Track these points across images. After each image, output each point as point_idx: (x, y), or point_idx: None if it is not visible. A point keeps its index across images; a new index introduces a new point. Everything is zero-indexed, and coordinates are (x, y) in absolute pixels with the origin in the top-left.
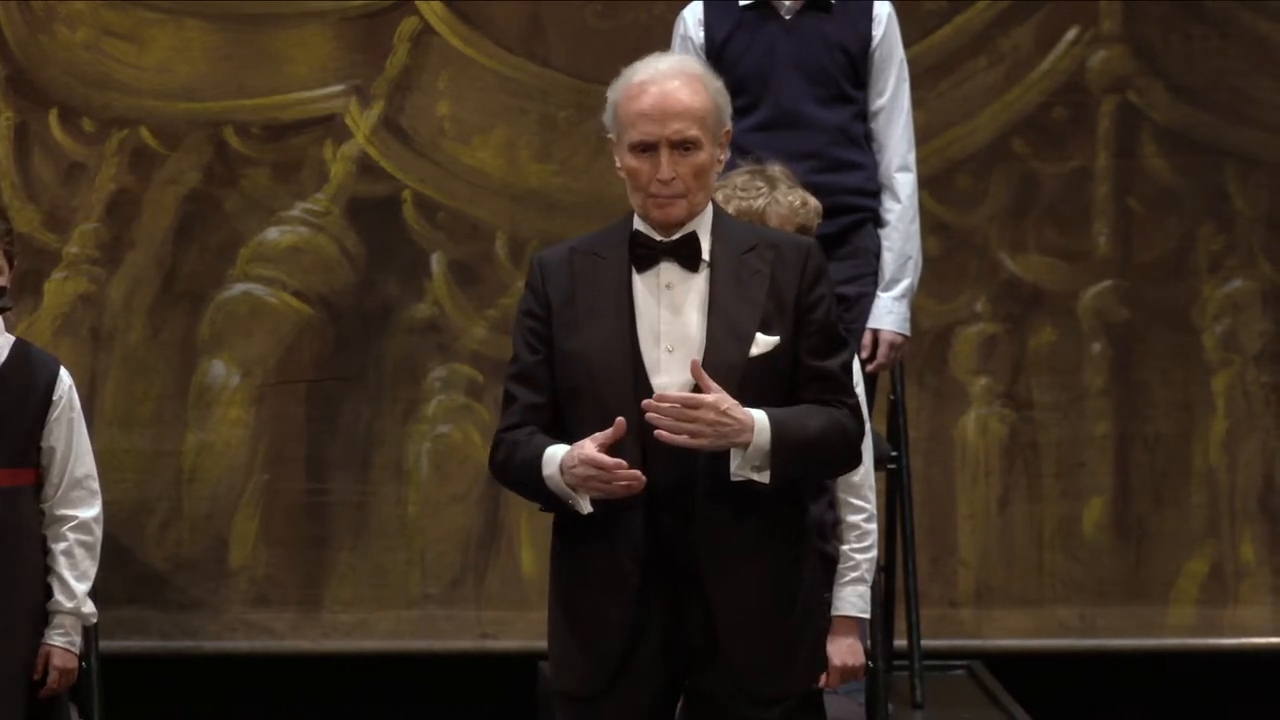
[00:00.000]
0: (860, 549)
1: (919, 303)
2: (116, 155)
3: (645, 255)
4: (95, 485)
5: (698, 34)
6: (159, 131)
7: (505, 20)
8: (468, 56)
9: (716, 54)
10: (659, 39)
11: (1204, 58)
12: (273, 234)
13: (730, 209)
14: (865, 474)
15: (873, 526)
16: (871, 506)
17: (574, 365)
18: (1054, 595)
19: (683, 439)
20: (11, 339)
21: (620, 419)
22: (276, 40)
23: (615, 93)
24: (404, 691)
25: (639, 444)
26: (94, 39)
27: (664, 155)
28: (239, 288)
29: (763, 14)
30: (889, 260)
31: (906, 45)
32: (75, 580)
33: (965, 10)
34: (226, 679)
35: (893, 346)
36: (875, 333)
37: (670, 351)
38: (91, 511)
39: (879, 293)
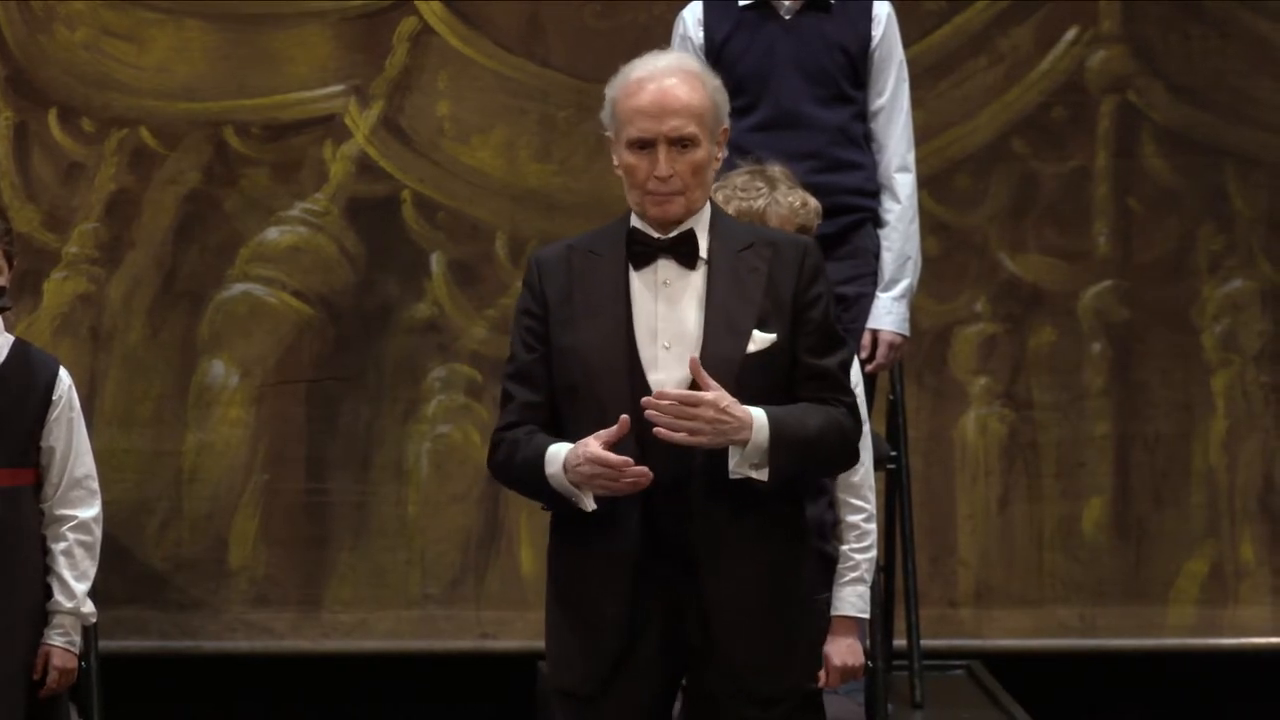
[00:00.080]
0: (860, 549)
1: (918, 303)
2: (116, 155)
3: (642, 253)
4: (95, 485)
5: (697, 34)
6: (159, 131)
7: (505, 20)
8: (467, 56)
9: (716, 54)
10: (658, 39)
11: (1203, 58)
12: (272, 234)
13: (730, 209)
14: (865, 474)
15: (872, 526)
16: (871, 507)
17: (571, 362)
18: (1054, 595)
19: (681, 436)
20: (11, 339)
21: (624, 416)
22: (276, 40)
23: (613, 90)
24: (404, 691)
25: (636, 441)
26: (93, 39)
27: (662, 152)
28: (238, 288)
29: (762, 14)
30: (888, 260)
31: (906, 45)
32: (75, 580)
33: (965, 10)
34: (226, 679)
35: (892, 347)
36: (874, 333)
37: (667, 348)
38: (91, 511)
39: (878, 293)
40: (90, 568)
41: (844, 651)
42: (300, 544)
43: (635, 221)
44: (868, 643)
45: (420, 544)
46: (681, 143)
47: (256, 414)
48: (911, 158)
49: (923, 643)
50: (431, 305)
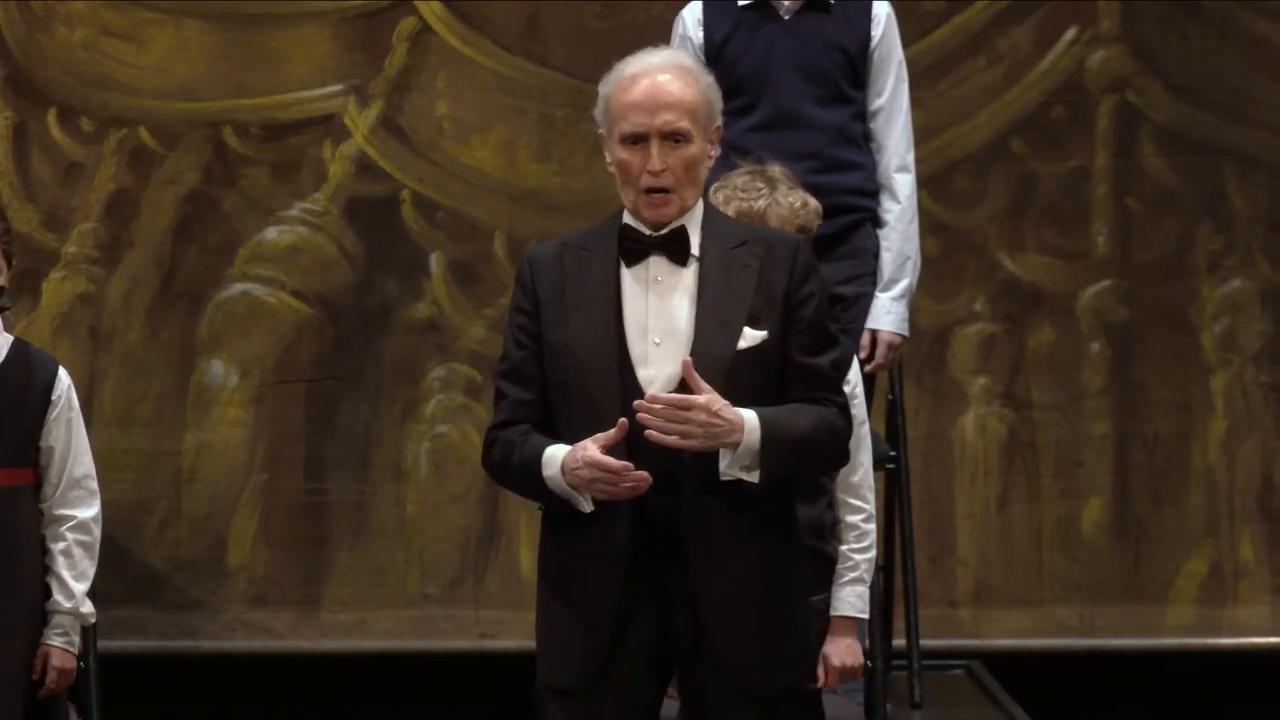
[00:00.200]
0: (859, 549)
1: (918, 303)
2: (115, 155)
3: (634, 249)
4: (94, 485)
5: (697, 34)
6: (158, 131)
7: (504, 20)
8: (466, 56)
9: (715, 54)
10: (657, 39)
11: (1202, 57)
12: (271, 234)
13: (730, 210)
14: (864, 474)
15: (871, 527)
16: (870, 507)
17: (562, 359)
18: (1053, 595)
19: (673, 440)
20: (10, 339)
21: (622, 420)
22: (275, 40)
23: (607, 86)
24: (403, 691)
25: (626, 439)
26: (93, 39)
27: (654, 147)
28: (238, 287)
29: (762, 14)
30: (887, 260)
31: (905, 45)
32: (74, 580)
33: (964, 10)
34: (225, 679)
35: (891, 347)
36: (874, 333)
37: (658, 344)
38: (90, 511)
39: (877, 293)
40: (89, 568)
41: (843, 652)
42: (299, 544)
43: (627, 218)
44: (867, 643)
45: (419, 544)
46: (674, 137)
47: (255, 414)
48: (911, 158)
49: (922, 643)
50: (431, 305)
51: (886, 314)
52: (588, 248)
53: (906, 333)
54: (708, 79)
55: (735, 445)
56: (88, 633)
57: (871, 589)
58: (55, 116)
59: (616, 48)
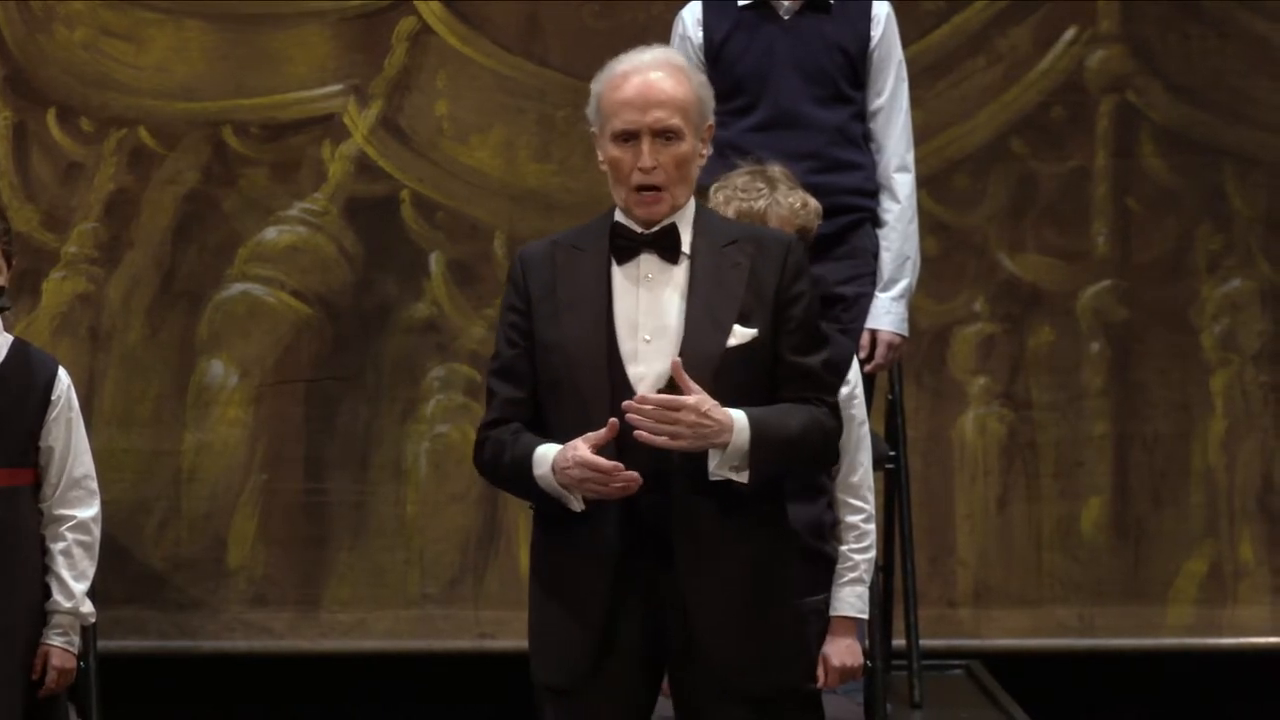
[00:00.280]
0: (859, 549)
1: (917, 302)
2: (115, 155)
3: (625, 247)
4: (94, 485)
5: (696, 34)
6: (157, 131)
7: (503, 20)
8: (466, 56)
9: (715, 54)
10: (657, 39)
11: (1202, 57)
12: (271, 234)
13: (731, 210)
14: (864, 474)
15: (871, 527)
16: (870, 507)
17: (553, 357)
18: (1052, 595)
19: (662, 440)
20: (10, 339)
21: (613, 420)
22: (275, 40)
23: (598, 84)
24: (402, 691)
25: (615, 438)
26: (92, 39)
27: (645, 143)
28: (237, 287)
29: (761, 14)
30: (887, 260)
31: (905, 45)
32: (74, 580)
33: (963, 10)
34: (225, 679)
35: (891, 347)
36: (873, 333)
37: (648, 341)
38: (90, 511)
39: (877, 293)
40: (89, 568)
41: (843, 652)
42: (299, 544)
43: (619, 216)
44: (867, 643)
45: (419, 544)
46: (665, 135)
47: (255, 414)
48: (911, 158)
49: (922, 643)
50: (430, 305)
51: (886, 314)
52: (579, 246)
53: (906, 333)
54: (699, 77)
55: (724, 445)
56: (87, 633)
57: (871, 589)
58: (55, 116)
59: (616, 48)
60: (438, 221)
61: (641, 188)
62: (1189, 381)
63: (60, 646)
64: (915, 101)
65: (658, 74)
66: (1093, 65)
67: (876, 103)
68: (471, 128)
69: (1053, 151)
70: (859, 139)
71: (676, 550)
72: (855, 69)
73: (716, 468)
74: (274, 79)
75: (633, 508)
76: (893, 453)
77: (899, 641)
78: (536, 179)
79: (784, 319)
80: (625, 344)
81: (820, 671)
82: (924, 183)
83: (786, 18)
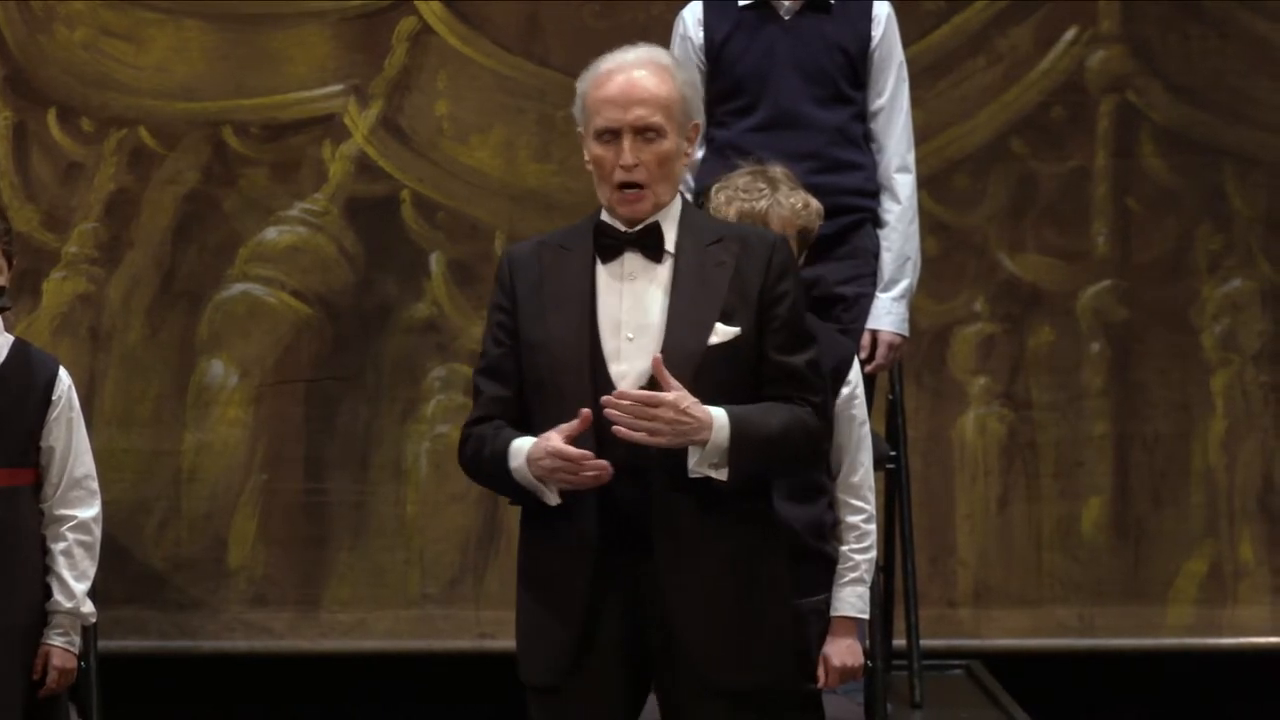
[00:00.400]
0: (859, 549)
1: (917, 302)
2: (115, 155)
3: (609, 245)
4: (94, 485)
5: (697, 34)
6: (157, 131)
7: (503, 20)
8: (466, 56)
9: (715, 54)
10: (657, 39)
11: (1202, 57)
12: (271, 234)
13: (732, 210)
14: (865, 474)
15: (872, 527)
16: (871, 507)
17: (537, 355)
18: (1053, 595)
19: (640, 436)
20: (11, 339)
21: (585, 411)
22: (275, 40)
23: (583, 83)
24: (403, 691)
25: (595, 434)
26: (93, 39)
27: (627, 141)
28: (237, 287)
29: (762, 14)
30: (888, 261)
31: (905, 45)
32: (74, 580)
33: (964, 10)
34: (225, 679)
35: (891, 347)
36: (874, 333)
37: (630, 340)
38: (91, 511)
39: (878, 293)
40: (90, 568)
41: (843, 652)
42: (299, 544)
43: (604, 215)
44: (867, 643)
45: (419, 544)
46: (647, 133)
47: (255, 414)
48: (911, 158)
49: (922, 642)
50: (430, 305)
51: (887, 314)
52: (565, 246)
53: (907, 333)
54: (685, 75)
55: (703, 443)
56: (88, 633)
57: (872, 589)
58: (55, 116)
59: (616, 47)
60: (438, 221)
61: (623, 185)
62: (1189, 381)
63: (61, 646)
64: (915, 101)
65: (640, 72)
66: (1093, 65)
67: (877, 103)
68: (472, 128)
69: (1053, 151)
70: (859, 139)
71: (655, 546)
72: (856, 69)
73: (695, 465)
74: (274, 79)
75: (613, 504)
76: (893, 453)
77: (899, 641)
78: (536, 179)
79: (768, 318)
80: (608, 342)
81: (821, 671)
82: (924, 183)
83: (787, 18)
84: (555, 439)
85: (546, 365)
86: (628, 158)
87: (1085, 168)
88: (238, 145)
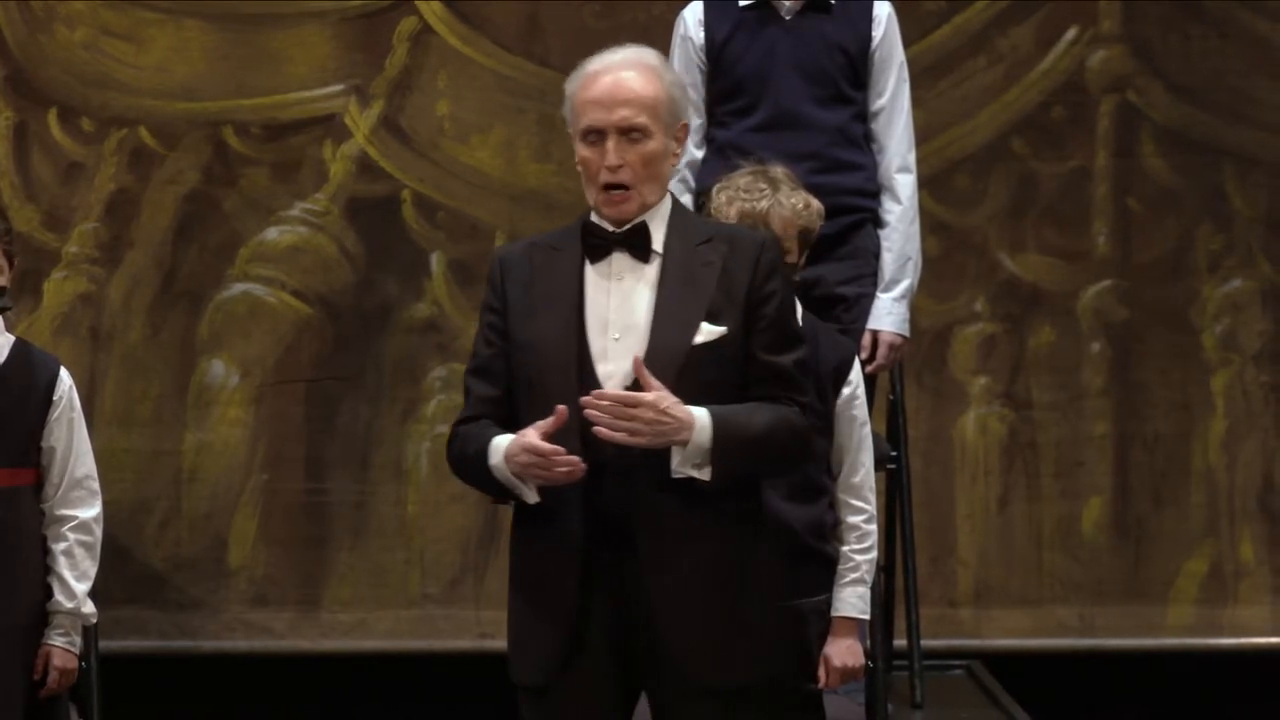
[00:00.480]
0: (860, 550)
1: (918, 302)
2: (115, 155)
3: (598, 246)
4: (95, 485)
5: (698, 34)
6: (158, 131)
7: (504, 20)
8: (467, 56)
9: (716, 54)
10: (658, 39)
11: (1203, 57)
12: (272, 234)
13: (733, 210)
14: (865, 474)
15: (873, 527)
16: (872, 507)
17: (526, 355)
18: (1053, 595)
19: (621, 436)
20: (12, 339)
21: (561, 407)
22: (275, 40)
23: (571, 84)
24: (403, 691)
25: (580, 434)
26: (93, 39)
27: (611, 142)
28: (238, 287)
29: (763, 14)
30: (888, 261)
31: (906, 45)
32: (75, 580)
33: (964, 10)
34: (225, 679)
35: (892, 347)
36: (874, 333)
37: (617, 339)
38: (91, 511)
39: (878, 293)
40: (91, 568)
41: (844, 652)
42: (299, 544)
43: (592, 216)
44: (868, 643)
45: (419, 544)
46: (632, 133)
47: (256, 414)
48: (912, 158)
49: (922, 642)
50: (431, 305)
51: (887, 314)
52: (556, 246)
53: (907, 333)
54: (673, 76)
55: (684, 443)
56: (89, 633)
57: (872, 589)
58: (56, 116)
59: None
60: (439, 221)
61: (609, 186)
62: (1189, 381)
63: (61, 647)
64: (916, 101)
65: (626, 73)
66: (1094, 65)
67: (878, 103)
68: (472, 128)
69: (1053, 151)
70: (860, 139)
71: (640, 546)
72: (856, 69)
73: (678, 465)
74: (275, 79)
75: (599, 504)
76: (894, 453)
77: (900, 642)
78: (537, 179)
79: (755, 317)
80: (595, 342)
81: (821, 672)
82: (925, 183)
83: (788, 18)
84: (531, 435)
85: (534, 365)
86: (612, 158)
87: (1086, 168)
88: (238, 145)
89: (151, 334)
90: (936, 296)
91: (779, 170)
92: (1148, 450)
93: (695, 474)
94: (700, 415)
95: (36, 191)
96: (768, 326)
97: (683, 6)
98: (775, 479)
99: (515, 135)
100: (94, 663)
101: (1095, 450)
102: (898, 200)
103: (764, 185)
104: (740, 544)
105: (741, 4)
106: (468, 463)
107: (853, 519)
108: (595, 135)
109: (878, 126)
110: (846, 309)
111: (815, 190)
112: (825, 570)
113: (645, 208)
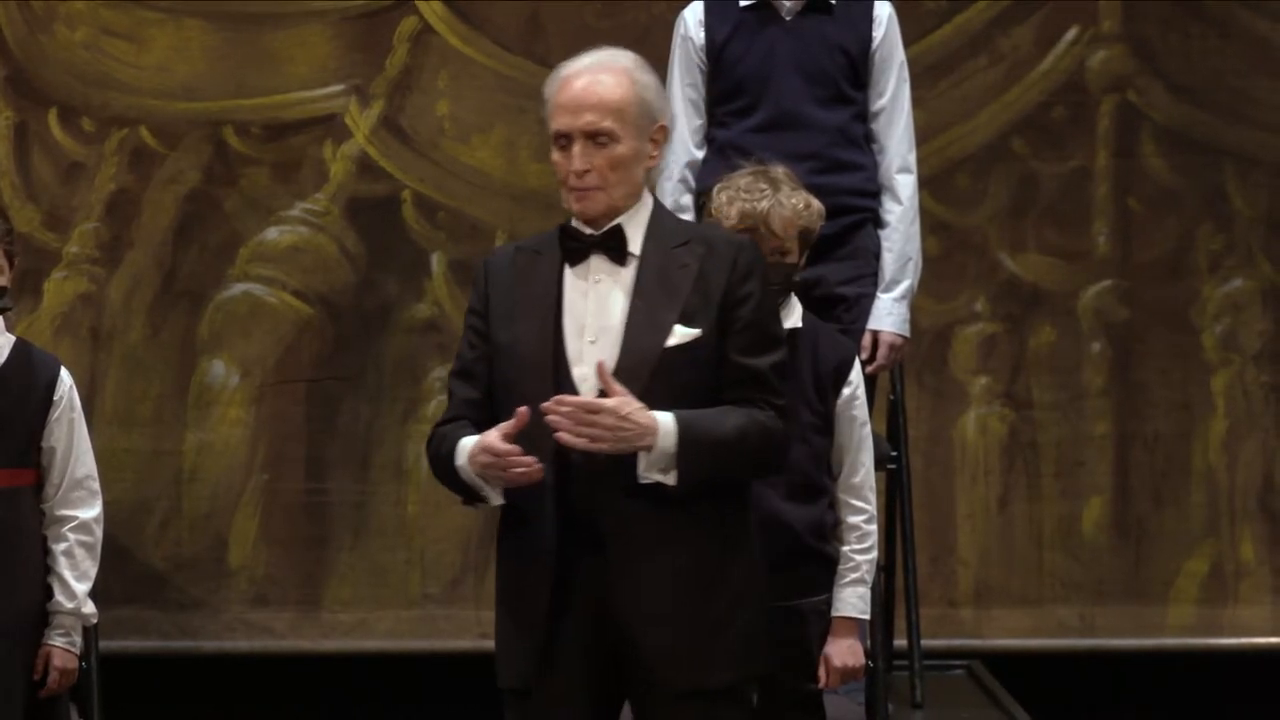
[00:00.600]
0: (860, 550)
1: (918, 302)
2: (116, 155)
3: (575, 249)
4: (96, 485)
5: (698, 35)
6: (158, 131)
7: (504, 19)
8: (467, 56)
9: (717, 55)
10: (658, 38)
11: (1203, 57)
12: (272, 234)
13: (733, 211)
14: (865, 474)
15: (873, 527)
16: (872, 507)
17: (504, 358)
18: (1053, 595)
19: (582, 443)
20: (12, 339)
21: (523, 410)
22: (276, 40)
23: (547, 88)
24: (403, 691)
25: (549, 437)
26: (93, 38)
27: (576, 146)
28: (238, 287)
29: (763, 15)
30: (889, 261)
31: (906, 45)
32: (76, 580)
33: (965, 10)
34: (226, 679)
35: (892, 348)
36: (875, 334)
37: (593, 342)
38: (92, 512)
39: (879, 294)
40: (91, 568)
41: (844, 652)
42: (300, 544)
43: (572, 220)
44: (868, 643)
45: (420, 544)
46: (598, 138)
47: (256, 414)
48: (913, 158)
49: (923, 642)
50: (431, 305)
51: (888, 315)
52: (538, 250)
53: (908, 333)
54: (647, 79)
55: (648, 449)
56: (89, 633)
57: (872, 589)
58: (56, 116)
59: (618, 47)
60: (439, 221)
61: (575, 190)
62: (1190, 381)
63: (62, 647)
64: (917, 101)
65: (595, 77)
66: (1094, 65)
67: (878, 103)
68: (473, 128)
69: (1054, 151)
70: (860, 140)
71: (609, 550)
72: (857, 70)
73: (644, 470)
74: (275, 79)
75: (570, 509)
76: (894, 453)
77: (900, 642)
78: (537, 179)
79: (730, 319)
80: (571, 345)
81: (821, 672)
82: (925, 183)
83: (788, 18)
84: (492, 436)
85: (512, 367)
86: (577, 163)
87: (1086, 168)
88: (239, 145)
89: (152, 334)
90: (937, 296)
91: (780, 170)
92: (1148, 450)
93: (661, 478)
94: (665, 420)
95: (37, 191)
96: (744, 329)
97: (683, 6)
98: (756, 480)
99: (516, 135)
100: (94, 663)
101: (1096, 450)
102: (898, 200)
103: (765, 185)
104: (712, 547)
105: (742, 4)
106: (441, 463)
107: (853, 519)
108: (564, 139)
109: (878, 127)
110: (847, 309)
111: (816, 190)
112: (825, 570)
113: (614, 208)
